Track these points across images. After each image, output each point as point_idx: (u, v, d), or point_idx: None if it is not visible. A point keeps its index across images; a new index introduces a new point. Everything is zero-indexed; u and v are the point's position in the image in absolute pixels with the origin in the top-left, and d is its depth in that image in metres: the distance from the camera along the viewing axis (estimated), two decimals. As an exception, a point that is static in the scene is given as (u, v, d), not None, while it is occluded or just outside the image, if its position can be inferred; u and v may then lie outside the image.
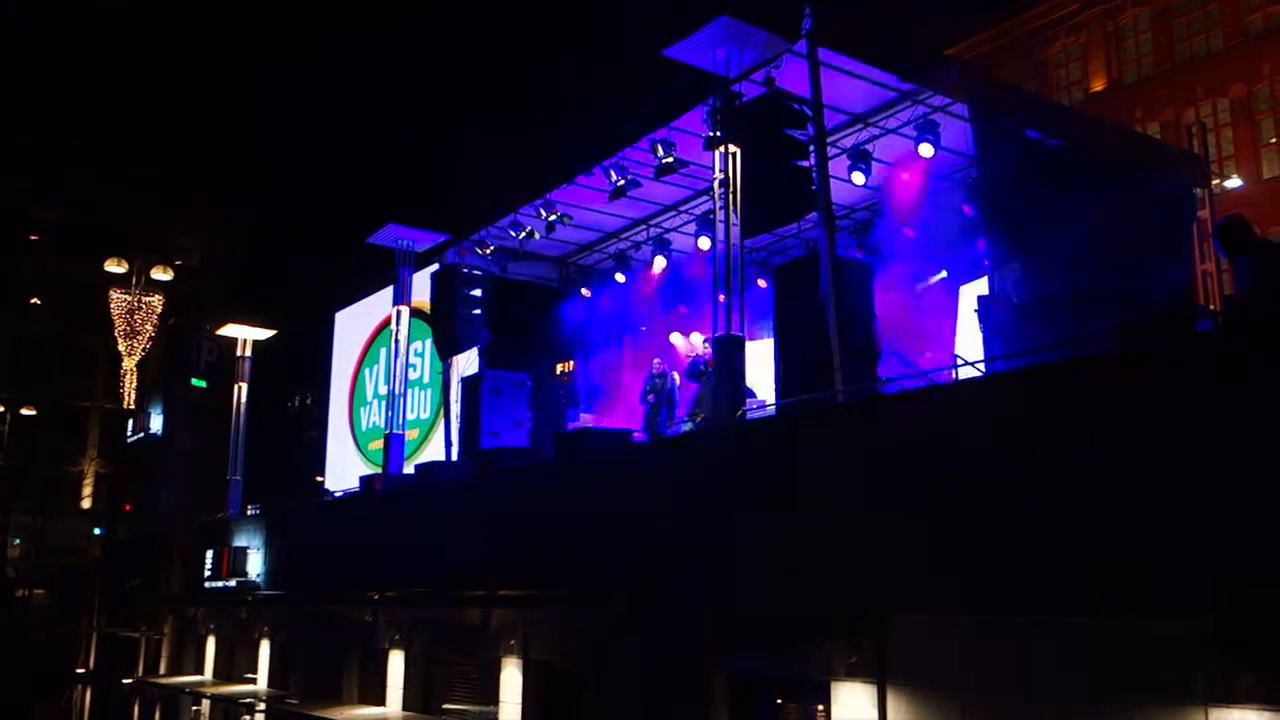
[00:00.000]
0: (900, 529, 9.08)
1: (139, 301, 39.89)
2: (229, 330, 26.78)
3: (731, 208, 12.98)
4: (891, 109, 15.23)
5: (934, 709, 8.64)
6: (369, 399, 28.62)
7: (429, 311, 20.97)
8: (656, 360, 18.20)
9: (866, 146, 15.67)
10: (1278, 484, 6.79)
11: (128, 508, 40.29)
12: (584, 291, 21.70)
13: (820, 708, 9.80)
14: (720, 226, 13.28)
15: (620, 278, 20.95)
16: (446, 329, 19.87)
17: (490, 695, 14.25)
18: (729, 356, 12.83)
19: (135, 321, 39.74)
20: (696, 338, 18.77)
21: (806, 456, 10.35)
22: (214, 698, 21.63)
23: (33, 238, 50.74)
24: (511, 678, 13.77)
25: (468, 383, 19.60)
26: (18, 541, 47.10)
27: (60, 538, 46.43)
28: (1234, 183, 27.50)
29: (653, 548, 11.61)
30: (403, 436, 21.10)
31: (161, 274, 40.57)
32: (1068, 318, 12.41)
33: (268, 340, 27.05)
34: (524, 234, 19.16)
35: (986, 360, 12.61)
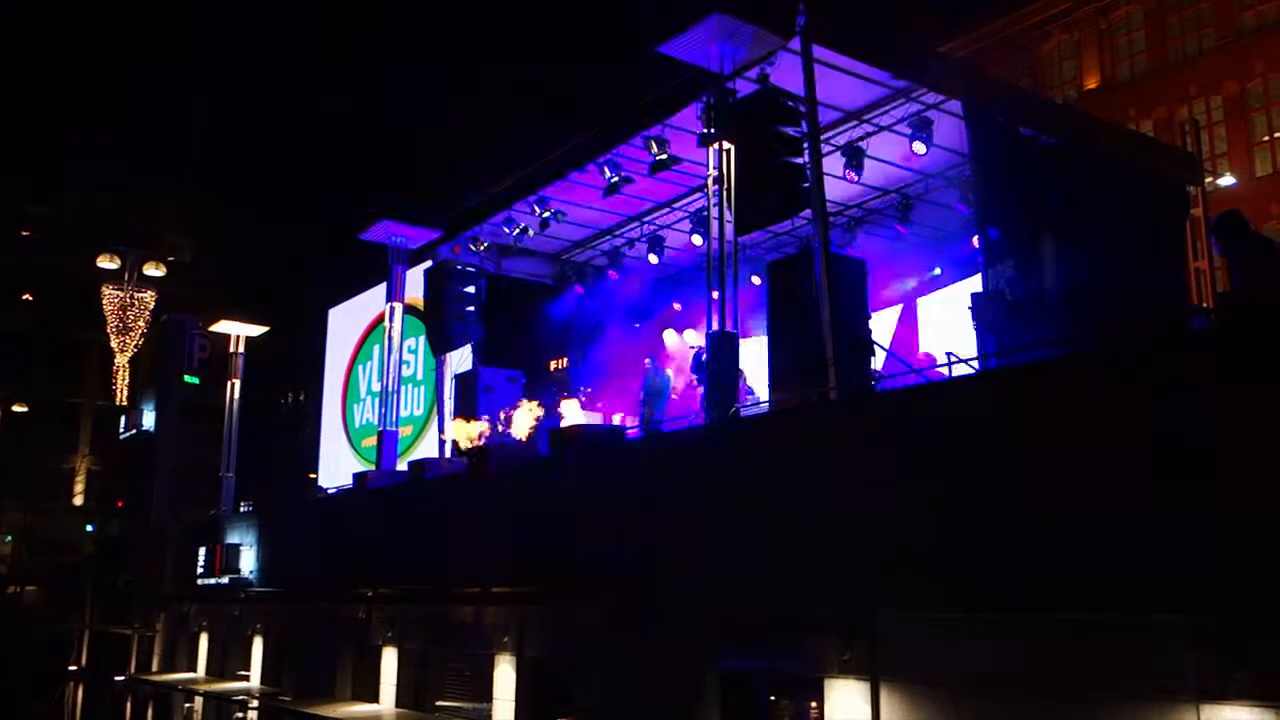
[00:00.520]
0: (893, 526, 9.09)
1: (131, 298, 39.78)
2: (222, 326, 26.74)
3: (725, 204, 12.98)
4: (885, 106, 15.22)
5: (927, 705, 8.65)
6: (362, 395, 28.59)
7: (422, 308, 20.95)
8: (647, 360, 18.24)
9: (860, 144, 15.67)
10: (1272, 481, 6.81)
11: (120, 504, 40.12)
12: (578, 288, 21.69)
13: (813, 704, 9.81)
14: (714, 223, 13.28)
15: (614, 274, 20.95)
16: (440, 325, 19.84)
17: (483, 692, 14.25)
18: (722, 353, 12.84)
19: (128, 318, 39.63)
20: (690, 335, 18.79)
21: (800, 453, 10.35)
22: (207, 695, 21.60)
23: (24, 233, 50.55)
24: (505, 675, 13.76)
25: (461, 379, 19.59)
26: (9, 538, 46.92)
27: (52, 534, 46.25)
28: (1227, 180, 27.54)
29: (646, 545, 11.60)
30: (396, 433, 21.09)
31: (154, 270, 40.47)
32: (1061, 315, 12.45)
33: (261, 336, 27.02)
34: (518, 230, 19.14)
35: (980, 358, 12.63)
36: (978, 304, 13.23)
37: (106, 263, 39.87)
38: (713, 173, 13.40)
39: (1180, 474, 7.25)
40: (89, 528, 45.51)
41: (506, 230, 19.22)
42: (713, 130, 13.43)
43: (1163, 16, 30.62)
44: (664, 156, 15.52)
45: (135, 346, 39.76)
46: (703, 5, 12.55)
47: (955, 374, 12.83)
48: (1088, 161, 15.22)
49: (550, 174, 17.71)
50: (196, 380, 33.74)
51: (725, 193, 13.00)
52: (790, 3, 12.60)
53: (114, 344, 39.78)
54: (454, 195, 21.62)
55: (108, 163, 51.24)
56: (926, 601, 8.79)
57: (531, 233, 19.20)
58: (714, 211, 13.33)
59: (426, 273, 20.51)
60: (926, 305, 17.73)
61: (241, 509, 24.10)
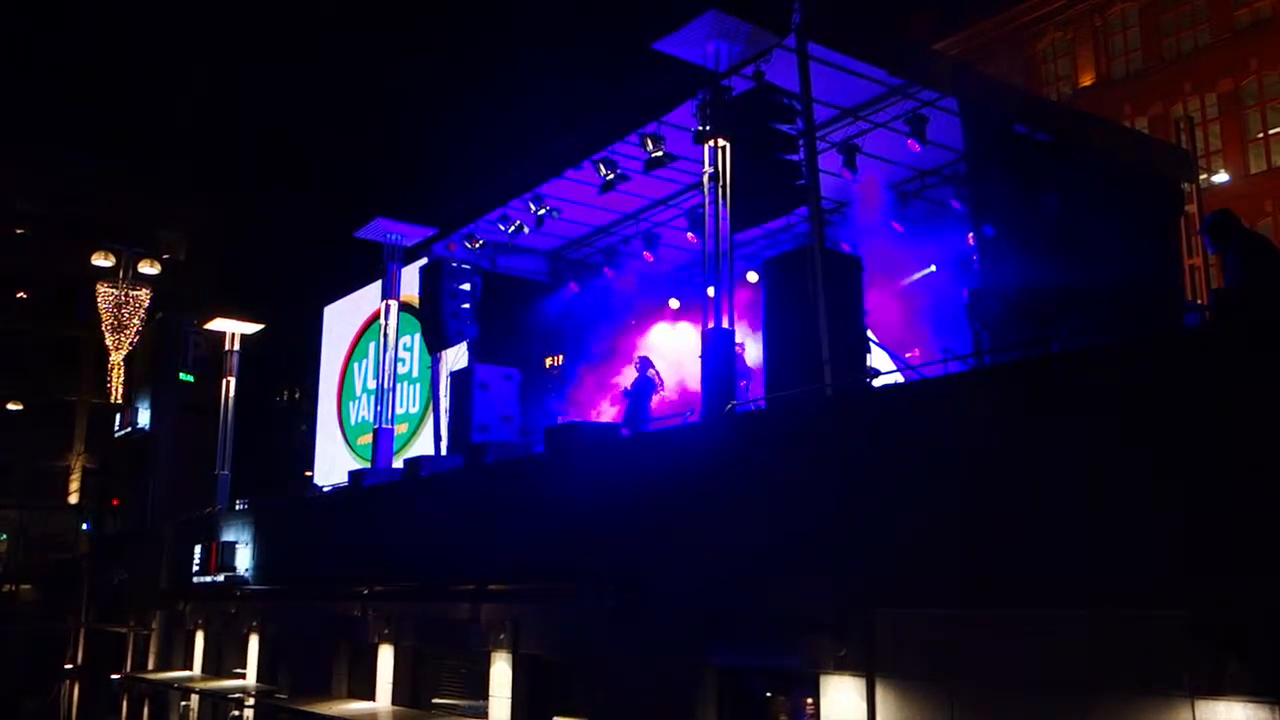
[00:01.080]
0: (889, 523, 9.11)
1: (126, 295, 39.72)
2: (217, 324, 26.72)
3: (721, 202, 12.98)
4: (880, 103, 15.22)
5: (922, 702, 8.67)
6: (358, 393, 28.60)
7: (418, 305, 20.94)
8: (634, 360, 18.31)
9: (855, 141, 15.68)
10: (1268, 476, 6.83)
11: (115, 502, 40.09)
12: (573, 286, 21.68)
13: (809, 701, 9.82)
14: (710, 221, 13.28)
15: (610, 272, 20.94)
16: (435, 323, 19.84)
17: (480, 689, 14.26)
18: (718, 350, 12.85)
19: (122, 315, 39.58)
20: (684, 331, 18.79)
21: (796, 450, 10.36)
22: (203, 693, 21.59)
23: (18, 231, 50.46)
24: (501, 672, 13.77)
25: (457, 377, 19.58)
26: (4, 537, 46.88)
27: (47, 533, 46.21)
28: (1221, 177, 27.61)
29: (642, 541, 11.62)
30: (392, 431, 21.09)
31: (149, 268, 40.44)
32: (1056, 312, 12.46)
33: (256, 334, 26.99)
34: (513, 228, 19.13)
35: (975, 355, 12.65)
36: (973, 301, 13.24)
37: (102, 260, 39.83)
38: (708, 170, 13.39)
39: (1177, 469, 7.26)
40: (84, 526, 45.46)
41: (502, 228, 19.20)
42: (708, 127, 13.42)
43: (1157, 13, 30.68)
44: (660, 154, 15.52)
45: (130, 344, 39.71)
46: (698, 2, 12.54)
47: (951, 371, 12.87)
48: (1082, 159, 15.25)
49: (546, 171, 17.68)
50: (192, 378, 33.69)
51: (721, 190, 13.00)
52: (785, 0, 12.60)
53: (109, 342, 39.73)
54: (449, 193, 21.61)
55: (103, 160, 51.16)
56: (922, 598, 8.81)
57: (527, 230, 19.18)
58: (710, 209, 13.33)
59: (422, 270, 20.50)
60: (921, 302, 17.72)
61: (237, 507, 24.07)
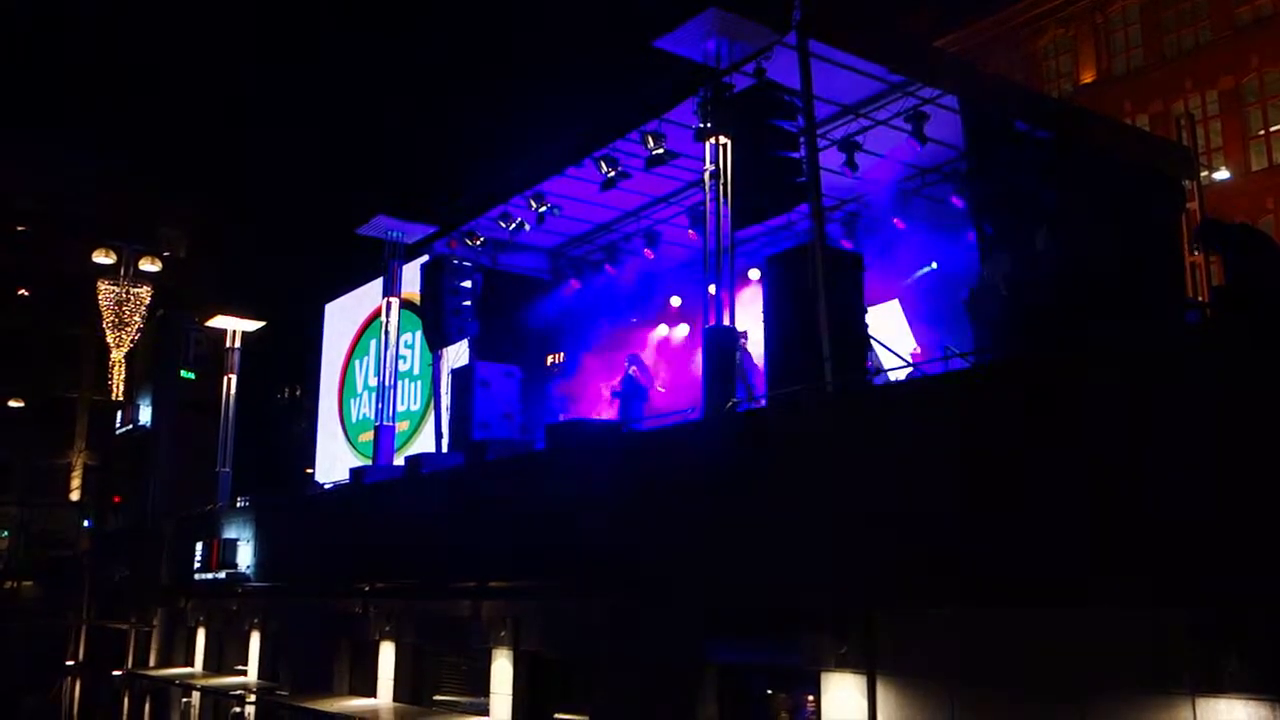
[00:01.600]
0: (891, 520, 9.11)
1: (127, 293, 39.75)
2: (218, 322, 26.73)
3: (722, 199, 12.98)
4: (881, 100, 15.22)
5: (923, 699, 8.68)
6: (359, 391, 28.61)
7: (419, 303, 20.94)
8: (627, 360, 18.36)
9: (856, 138, 15.67)
10: (1267, 474, 6.83)
11: (116, 499, 40.17)
12: (574, 283, 21.69)
13: (810, 698, 9.83)
14: (711, 218, 13.28)
15: (611, 269, 20.94)
16: (436, 321, 19.84)
17: (481, 686, 14.27)
18: (719, 348, 12.85)
19: (123, 313, 39.61)
20: (682, 330, 18.82)
21: (796, 448, 10.37)
22: (204, 689, 21.63)
23: (19, 228, 50.48)
24: (502, 669, 13.79)
25: (458, 374, 19.58)
26: (5, 534, 46.96)
27: (49, 530, 46.28)
28: (1222, 175, 27.60)
29: (643, 538, 11.63)
30: (393, 428, 21.10)
31: (150, 265, 40.46)
32: (1057, 310, 12.45)
33: (257, 332, 27.00)
34: (514, 225, 19.12)
35: (976, 352, 12.65)
36: (974, 299, 13.24)
37: (102, 258, 39.84)
38: (709, 167, 13.39)
39: (1177, 466, 7.27)
40: (86, 523, 45.54)
41: (503, 225, 19.20)
42: (709, 124, 13.43)
43: (1158, 11, 30.67)
44: (660, 151, 15.52)
45: (131, 342, 39.76)
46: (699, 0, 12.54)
47: (951, 368, 12.86)
48: (1083, 156, 15.24)
49: (547, 169, 17.68)
50: (193, 375, 33.78)
51: (722, 187, 13.00)
52: (786, -3, 12.59)
53: (110, 339, 39.77)
54: (450, 190, 21.59)
55: (103, 157, 51.19)
56: (923, 596, 8.82)
57: (528, 227, 19.18)
58: (710, 206, 13.33)
59: (423, 268, 20.50)
60: (920, 300, 17.74)
61: (238, 504, 24.10)
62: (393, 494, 17.59)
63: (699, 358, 14.42)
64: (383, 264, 21.13)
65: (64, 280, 47.95)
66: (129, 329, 39.65)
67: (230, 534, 22.01)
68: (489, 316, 20.35)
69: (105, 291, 39.70)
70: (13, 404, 48.51)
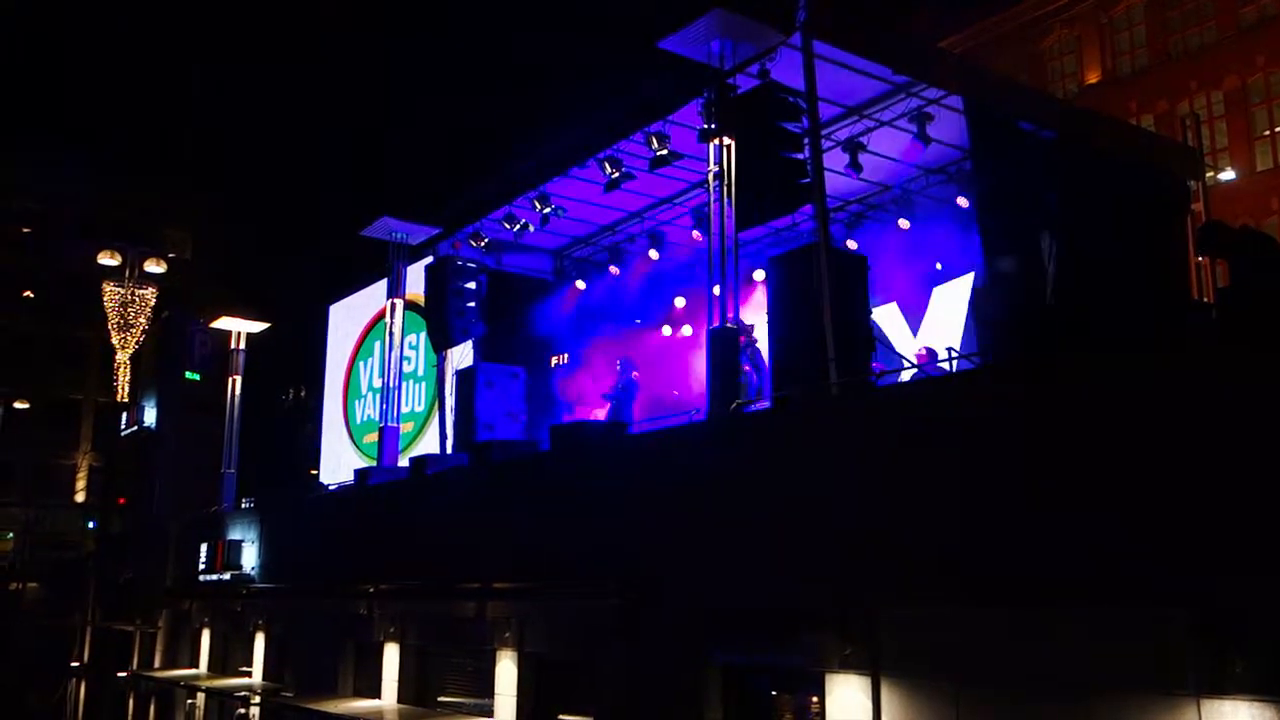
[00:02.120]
0: (895, 521, 9.10)
1: (132, 294, 39.80)
2: (223, 323, 26.75)
3: (726, 200, 12.98)
4: (886, 101, 15.21)
5: (928, 700, 8.66)
6: (363, 392, 28.60)
7: (423, 304, 20.95)
8: (618, 362, 18.37)
9: (861, 139, 15.66)
10: (1270, 475, 6.82)
11: (121, 501, 40.22)
12: (578, 284, 21.69)
13: (814, 699, 9.82)
14: (715, 219, 13.28)
15: (615, 270, 20.94)
16: (441, 322, 19.84)
17: (485, 687, 14.27)
18: (723, 348, 12.85)
19: (128, 314, 39.66)
20: (686, 330, 18.81)
21: (801, 448, 10.36)
22: (209, 691, 21.63)
23: (24, 230, 50.58)
24: (506, 670, 13.78)
25: (462, 375, 19.60)
26: (11, 535, 47.03)
27: (54, 531, 46.37)
28: (1227, 175, 27.54)
29: (647, 539, 11.62)
30: (397, 429, 21.11)
31: (155, 267, 40.49)
32: (1061, 310, 12.45)
33: (262, 333, 27.02)
34: (518, 226, 19.14)
35: (980, 353, 12.65)
36: (979, 299, 13.24)
37: (107, 259, 39.89)
38: (713, 168, 13.39)
39: (1181, 466, 7.25)
40: (90, 524, 45.62)
41: (507, 226, 19.21)
42: (713, 125, 13.43)
43: (1163, 11, 30.61)
44: (665, 152, 15.52)
45: (136, 343, 39.81)
46: (703, 1, 12.54)
47: (956, 369, 12.85)
48: (1088, 156, 15.21)
49: (551, 170, 17.69)
50: (197, 377, 33.81)
51: (726, 188, 13.00)
52: (790, -2, 12.60)
53: (115, 341, 39.82)
54: (455, 191, 21.61)
55: (109, 159, 51.29)
56: (928, 597, 8.81)
57: (532, 229, 19.19)
58: (715, 207, 13.33)
59: (427, 269, 20.51)
60: (927, 300, 17.71)
61: (243, 505, 24.11)
62: (397, 495, 17.59)
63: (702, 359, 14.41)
64: (387, 265, 21.17)
65: (69, 282, 48.04)
66: (134, 330, 39.70)
67: (235, 535, 22.03)
68: (493, 317, 20.35)
69: (110, 293, 39.76)
70: (18, 405, 48.59)
